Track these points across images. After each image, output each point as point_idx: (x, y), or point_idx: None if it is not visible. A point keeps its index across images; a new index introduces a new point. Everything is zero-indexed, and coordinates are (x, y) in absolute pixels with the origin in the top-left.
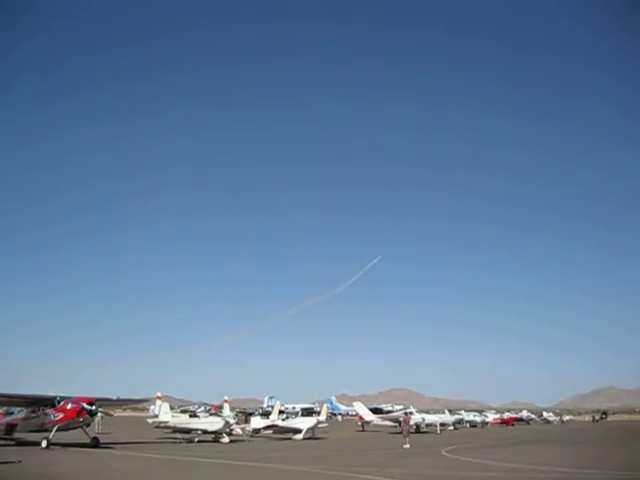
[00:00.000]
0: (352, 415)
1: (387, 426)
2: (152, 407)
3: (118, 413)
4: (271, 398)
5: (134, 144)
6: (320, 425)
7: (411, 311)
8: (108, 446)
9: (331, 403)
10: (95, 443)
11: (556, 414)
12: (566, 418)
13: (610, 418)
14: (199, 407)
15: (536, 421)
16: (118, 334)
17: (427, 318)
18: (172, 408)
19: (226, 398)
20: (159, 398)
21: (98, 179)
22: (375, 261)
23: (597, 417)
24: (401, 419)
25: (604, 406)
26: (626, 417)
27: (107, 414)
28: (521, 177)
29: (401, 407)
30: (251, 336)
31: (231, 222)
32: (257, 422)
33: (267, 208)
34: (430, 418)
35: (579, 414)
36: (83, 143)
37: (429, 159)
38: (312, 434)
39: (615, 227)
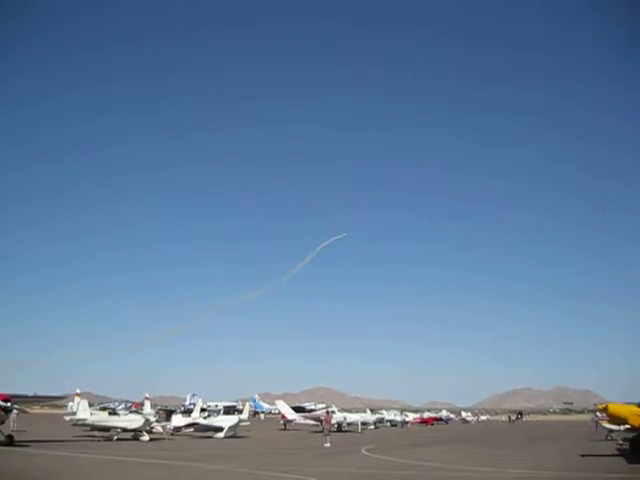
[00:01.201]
0: (275, 414)
1: (309, 425)
2: (70, 404)
3: (35, 410)
4: (193, 396)
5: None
6: (242, 424)
7: (336, 311)
8: (23, 444)
9: (254, 401)
10: (9, 441)
11: (474, 414)
12: (483, 418)
13: (526, 418)
14: (119, 404)
15: (455, 421)
16: (35, 329)
17: (351, 318)
18: (92, 405)
19: (147, 395)
20: (78, 395)
21: None
22: (340, 236)
23: (513, 417)
24: (322, 418)
25: (520, 406)
26: (541, 417)
27: (23, 411)
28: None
29: (323, 406)
30: (175, 334)
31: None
32: (178, 420)
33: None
34: (352, 417)
35: (496, 414)
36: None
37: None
38: (234, 433)
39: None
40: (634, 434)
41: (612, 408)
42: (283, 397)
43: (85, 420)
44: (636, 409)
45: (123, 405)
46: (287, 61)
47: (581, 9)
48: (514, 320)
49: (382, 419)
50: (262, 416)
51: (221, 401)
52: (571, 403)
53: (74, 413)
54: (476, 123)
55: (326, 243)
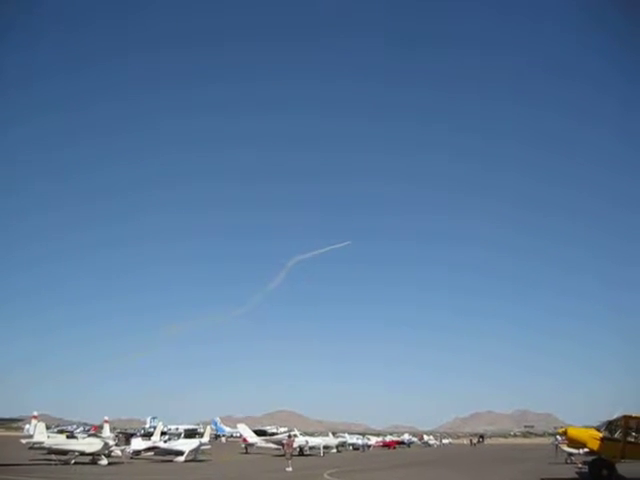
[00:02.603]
0: (236, 437)
1: (271, 448)
2: (27, 426)
3: None
4: (153, 419)
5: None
6: (203, 447)
7: (297, 333)
8: None
9: (215, 424)
10: None
11: (436, 437)
12: (445, 441)
13: (487, 441)
14: (78, 427)
15: (417, 444)
16: None
17: (314, 341)
18: (49, 428)
19: (106, 418)
20: (35, 417)
21: None
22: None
23: (475, 440)
24: (284, 442)
25: (482, 429)
26: (502, 440)
27: None
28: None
29: (285, 429)
30: (137, 356)
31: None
32: (138, 443)
33: None
34: (314, 441)
35: (458, 437)
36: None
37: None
38: (194, 456)
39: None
40: (593, 457)
41: (571, 432)
42: (245, 420)
43: (42, 443)
44: (595, 433)
45: (81, 428)
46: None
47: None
48: (477, 344)
49: (344, 443)
50: (223, 439)
51: (182, 424)
52: (532, 426)
53: (31, 436)
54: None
55: (327, 249)
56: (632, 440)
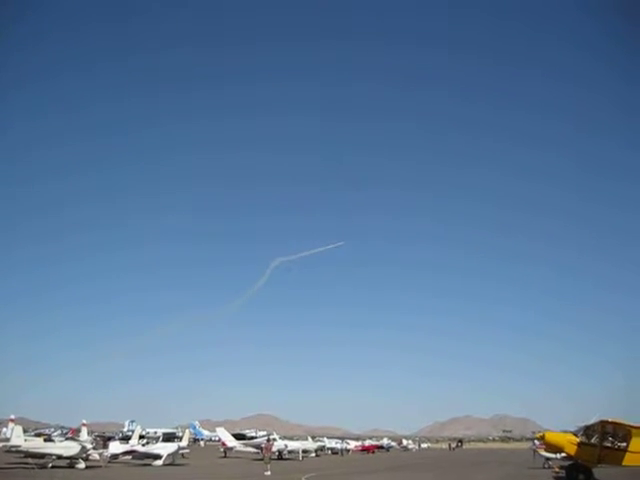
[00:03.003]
0: (215, 441)
1: (250, 452)
2: (4, 430)
3: None
4: (132, 422)
5: None
6: (181, 451)
7: (278, 337)
8: None
9: (194, 428)
10: None
11: (415, 442)
12: (424, 446)
13: (466, 446)
14: (55, 431)
15: (396, 448)
16: None
17: (292, 344)
18: (26, 431)
19: (84, 421)
20: (12, 420)
21: None
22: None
23: (453, 445)
24: (263, 446)
25: (461, 434)
26: (481, 445)
27: None
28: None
29: (264, 433)
30: (116, 355)
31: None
32: (116, 447)
33: None
34: (293, 445)
35: (437, 442)
36: None
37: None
38: (173, 460)
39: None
40: (570, 462)
41: (549, 436)
42: (224, 424)
43: (19, 447)
44: (572, 438)
45: (59, 431)
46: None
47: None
48: (455, 349)
49: (323, 447)
50: (202, 443)
51: (160, 428)
52: (510, 431)
53: (7, 439)
54: None
55: (321, 249)
56: (608, 445)
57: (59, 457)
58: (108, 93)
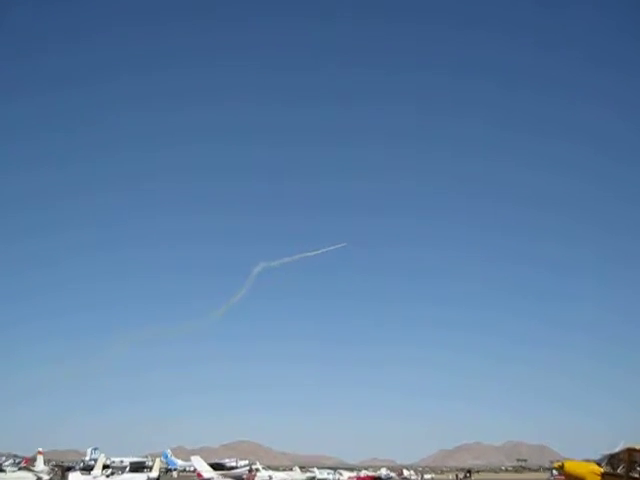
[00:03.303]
0: (190, 471)
1: None
2: None
3: None
4: (95, 450)
5: None
6: None
7: (259, 352)
8: None
9: (166, 457)
10: None
11: (417, 472)
12: (428, 477)
13: (475, 477)
14: (7, 459)
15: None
16: None
17: (277, 361)
18: None
19: (40, 450)
20: None
21: None
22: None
23: (461, 476)
24: (245, 477)
25: (469, 463)
26: (492, 476)
27: None
28: None
29: (246, 463)
30: (74, 376)
31: None
32: (76, 478)
33: None
34: (278, 476)
35: (442, 472)
36: None
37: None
38: None
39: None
40: None
41: (569, 466)
42: (200, 452)
43: None
44: (595, 468)
45: (11, 460)
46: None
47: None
48: (463, 367)
49: (313, 478)
50: (175, 474)
51: (127, 456)
52: (525, 460)
53: None
54: None
55: (324, 250)
56: (636, 476)
57: None
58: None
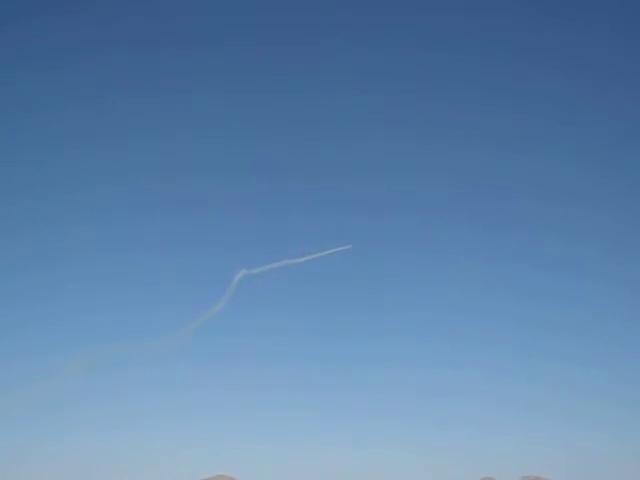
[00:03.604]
0: None
1: None
2: None
3: None
4: None
5: None
6: None
7: (239, 374)
8: None
9: None
10: None
11: None
12: None
13: None
14: None
15: None
16: None
17: (260, 385)
18: None
19: None
20: None
21: None
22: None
23: None
24: None
25: None
26: None
27: None
28: None
29: None
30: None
31: None
32: None
33: None
34: None
35: None
36: None
37: None
38: None
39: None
40: None
41: None
42: None
43: None
44: None
45: None
46: None
47: None
48: (472, 389)
49: None
50: None
51: None
52: None
53: None
54: None
55: (328, 252)
56: None
57: None
58: None
